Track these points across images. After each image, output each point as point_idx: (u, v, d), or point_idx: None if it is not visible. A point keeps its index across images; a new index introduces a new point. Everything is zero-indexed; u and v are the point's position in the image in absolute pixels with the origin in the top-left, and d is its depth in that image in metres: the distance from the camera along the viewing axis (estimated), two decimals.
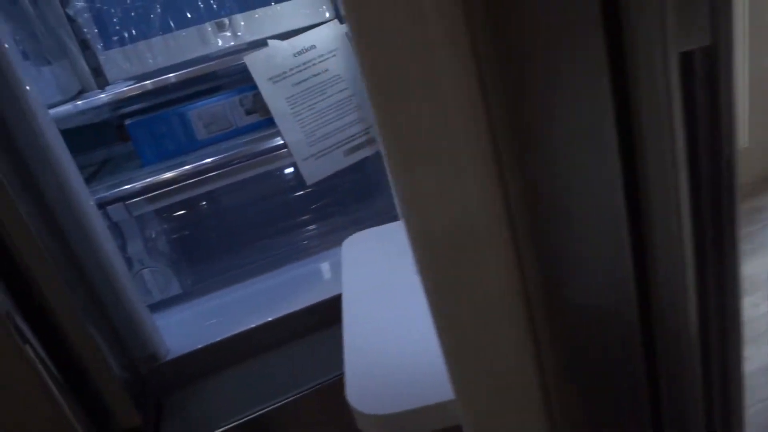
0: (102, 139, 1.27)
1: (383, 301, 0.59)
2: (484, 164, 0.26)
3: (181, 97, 1.04)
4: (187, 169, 0.93)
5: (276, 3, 0.94)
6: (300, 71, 0.91)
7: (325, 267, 0.97)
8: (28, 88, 0.66)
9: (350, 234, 1.05)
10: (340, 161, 0.96)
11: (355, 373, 0.47)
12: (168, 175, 0.92)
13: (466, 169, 0.27)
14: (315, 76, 0.92)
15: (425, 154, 0.26)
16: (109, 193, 0.90)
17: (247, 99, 1.01)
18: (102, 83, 1.26)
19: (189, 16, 0.92)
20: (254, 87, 0.98)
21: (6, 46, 0.64)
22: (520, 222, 0.27)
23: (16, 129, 0.66)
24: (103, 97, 0.87)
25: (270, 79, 0.90)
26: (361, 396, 0.43)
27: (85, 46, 1.22)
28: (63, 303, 0.67)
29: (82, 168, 1.12)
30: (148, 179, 0.92)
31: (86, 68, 1.21)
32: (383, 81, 0.25)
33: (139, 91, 0.89)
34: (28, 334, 0.63)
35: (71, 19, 1.18)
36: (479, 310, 0.29)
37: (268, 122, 1.02)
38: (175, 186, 0.94)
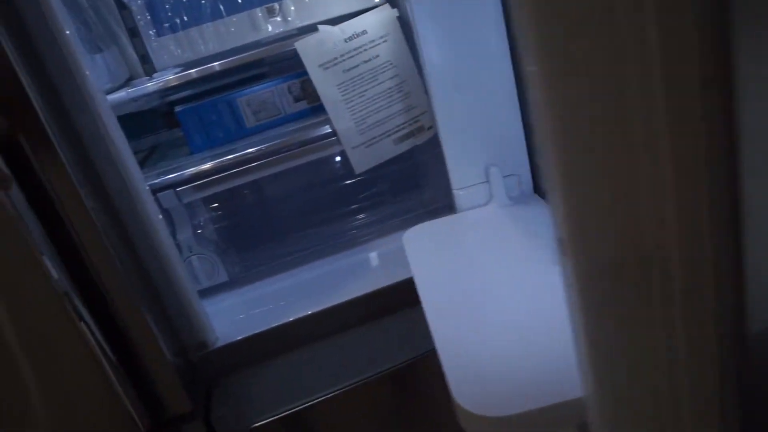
0: (149, 126, 1.28)
1: (469, 297, 0.58)
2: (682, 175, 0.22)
3: (230, 83, 1.03)
4: (237, 157, 0.93)
5: None
6: (351, 57, 0.90)
7: (374, 257, 0.95)
8: (88, 73, 0.65)
9: (398, 224, 1.04)
10: (390, 150, 0.94)
11: (460, 373, 0.45)
12: (217, 162, 0.91)
13: (653, 180, 0.22)
14: (366, 62, 0.90)
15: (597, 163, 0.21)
16: (159, 180, 0.90)
17: (296, 86, 1.00)
18: (150, 70, 1.27)
19: (239, 1, 0.91)
20: (302, 74, 0.97)
21: (68, 32, 0.64)
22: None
23: (76, 114, 0.66)
24: (154, 84, 0.87)
25: (320, 65, 0.89)
26: (476, 397, 0.41)
27: (133, 33, 1.23)
28: (119, 286, 0.67)
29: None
30: (198, 167, 0.92)
31: (134, 56, 1.22)
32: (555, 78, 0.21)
33: (190, 79, 0.88)
34: (85, 315, 0.64)
35: (122, 7, 1.18)
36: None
37: (316, 109, 1.01)
38: (225, 174, 0.94)
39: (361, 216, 1.09)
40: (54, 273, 0.61)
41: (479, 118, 0.79)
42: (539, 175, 0.82)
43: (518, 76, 0.78)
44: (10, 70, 0.57)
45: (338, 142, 0.93)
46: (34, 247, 0.58)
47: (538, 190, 0.84)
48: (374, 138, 0.92)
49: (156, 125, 1.30)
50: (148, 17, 0.87)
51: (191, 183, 0.93)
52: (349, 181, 1.08)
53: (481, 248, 0.71)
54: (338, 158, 1.05)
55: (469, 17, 0.74)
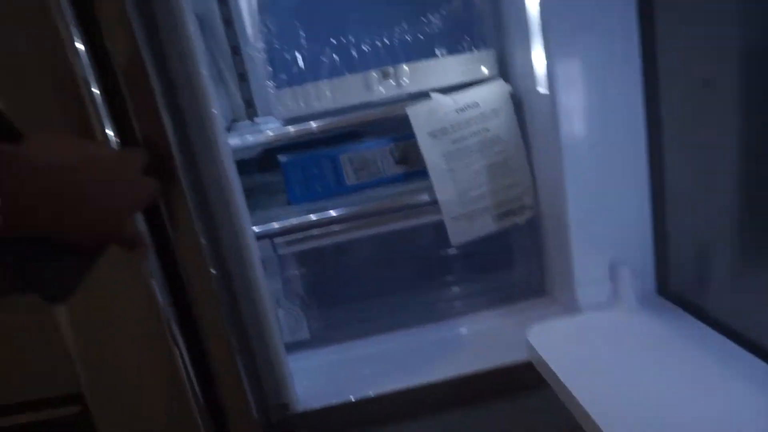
0: (244, 168, 1.30)
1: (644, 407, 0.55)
2: None
3: (333, 137, 1.04)
4: (339, 215, 0.93)
5: (442, 56, 0.92)
6: (460, 128, 0.89)
7: (464, 335, 0.93)
8: (217, 120, 0.67)
9: (485, 302, 1.01)
10: (489, 225, 0.92)
11: None
12: (320, 217, 0.91)
13: None
14: (474, 134, 0.89)
15: None
16: (260, 228, 0.91)
17: (399, 148, 1.00)
18: (252, 114, 1.30)
19: (355, 62, 0.93)
20: (406, 137, 0.97)
21: (204, 73, 0.66)
22: None
23: (205, 165, 0.67)
24: (274, 134, 0.89)
25: (430, 132, 0.89)
26: None
27: (242, 78, 1.26)
28: (217, 330, 0.67)
29: None
30: (299, 219, 0.93)
31: (239, 99, 1.26)
32: None
33: (304, 132, 0.89)
34: (183, 349, 0.64)
35: (234, 52, 1.23)
36: None
37: (415, 174, 1.01)
38: (323, 230, 0.94)
39: (449, 289, 1.07)
40: (160, 298, 0.62)
41: (609, 204, 0.76)
42: (665, 272, 0.78)
43: (652, 159, 0.75)
44: (163, 131, 0.58)
45: (436, 210, 0.92)
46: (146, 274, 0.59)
47: (662, 290, 0.80)
48: (475, 212, 0.91)
49: (251, 168, 1.32)
50: (269, 68, 0.89)
51: (289, 234, 0.93)
52: (439, 252, 1.06)
53: (630, 358, 0.68)
54: (430, 227, 1.03)
55: (610, 94, 0.72)
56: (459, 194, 0.90)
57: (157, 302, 0.60)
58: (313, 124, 0.91)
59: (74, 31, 0.53)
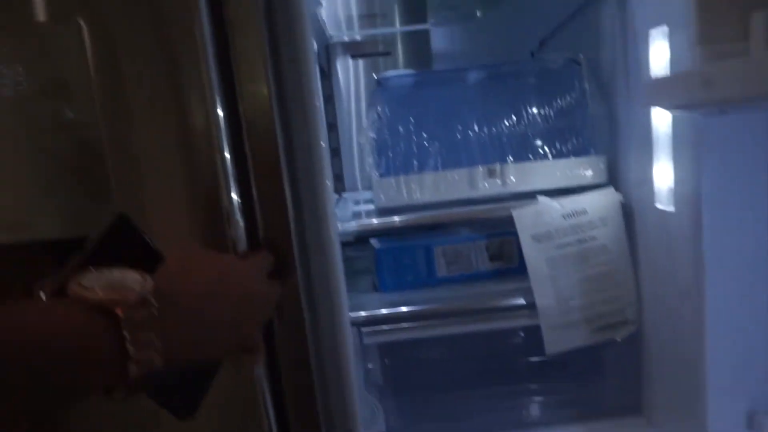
0: None
1: None
2: None
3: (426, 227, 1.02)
4: (430, 309, 0.90)
5: (549, 157, 0.90)
6: (566, 234, 0.86)
7: None
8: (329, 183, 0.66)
9: (573, 413, 0.96)
10: (586, 338, 0.88)
11: None
12: (409, 309, 0.89)
13: None
14: (580, 242, 0.86)
15: None
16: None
17: (494, 245, 0.97)
18: (340, 188, 1.30)
19: (461, 155, 0.91)
20: (503, 233, 0.95)
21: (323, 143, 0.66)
22: None
23: (314, 254, 0.66)
24: (378, 221, 0.88)
25: (533, 236, 0.86)
26: None
27: (335, 153, 1.27)
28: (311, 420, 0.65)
29: None
30: (388, 310, 0.90)
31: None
32: None
33: (408, 224, 0.88)
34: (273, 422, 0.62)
35: (330, 129, 1.24)
36: None
37: (509, 271, 0.98)
38: (413, 323, 0.91)
39: (533, 395, 1.02)
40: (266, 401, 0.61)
41: (751, 342, 0.70)
42: None
43: None
44: (287, 230, 0.57)
45: (529, 315, 0.89)
46: None
47: None
48: (573, 322, 0.87)
49: None
50: (375, 156, 0.88)
51: (376, 325, 0.90)
52: (526, 356, 1.02)
53: None
54: (520, 329, 1.00)
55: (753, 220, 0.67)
56: (559, 302, 0.86)
57: (263, 404, 0.58)
58: (412, 216, 0.90)
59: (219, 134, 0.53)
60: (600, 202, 0.87)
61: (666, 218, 0.76)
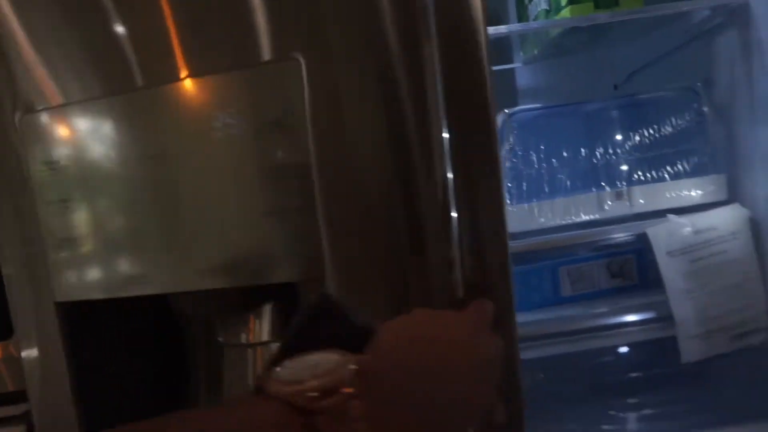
0: None
1: None
2: None
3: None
4: (560, 327, 0.94)
5: (673, 179, 0.96)
6: (698, 249, 0.91)
7: None
8: None
9: (708, 421, 0.99)
10: (724, 345, 0.92)
11: None
12: (538, 330, 0.93)
13: None
14: (712, 256, 0.91)
15: None
16: None
17: (616, 264, 1.02)
18: None
19: (585, 177, 0.97)
20: (623, 253, 1.00)
21: None
22: None
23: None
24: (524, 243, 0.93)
25: (668, 252, 0.91)
26: None
27: None
28: None
29: None
30: (524, 329, 0.94)
31: None
32: None
33: (542, 247, 0.93)
34: None
35: None
36: None
37: (629, 288, 1.02)
38: (539, 341, 0.95)
39: (651, 410, 1.05)
40: None
41: None
42: None
43: None
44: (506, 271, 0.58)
45: (658, 328, 0.93)
46: None
47: None
48: (710, 331, 0.91)
49: None
50: (511, 184, 0.94)
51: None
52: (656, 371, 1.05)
53: None
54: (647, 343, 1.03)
55: None
56: (696, 313, 0.90)
57: None
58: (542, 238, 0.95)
59: None
60: (728, 218, 0.92)
61: None
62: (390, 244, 0.55)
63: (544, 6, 1.03)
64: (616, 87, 1.30)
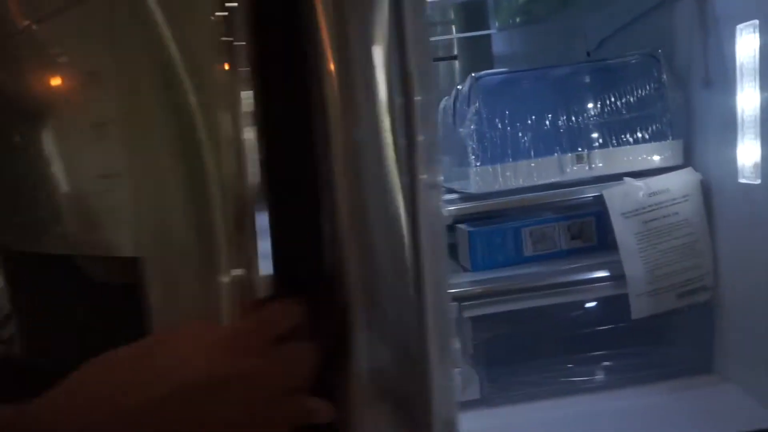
0: None
1: None
2: None
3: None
4: (520, 284, 0.99)
5: (633, 144, 1.00)
6: (651, 211, 0.96)
7: (632, 406, 0.96)
8: None
9: (650, 375, 1.05)
10: (671, 303, 0.97)
11: None
12: (508, 285, 0.98)
13: None
14: (665, 217, 0.96)
15: None
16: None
17: (576, 226, 1.07)
18: None
19: (549, 142, 1.01)
20: (582, 215, 1.05)
21: None
22: None
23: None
24: (472, 205, 0.97)
25: (623, 214, 0.95)
26: None
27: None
28: None
29: None
30: (483, 286, 0.99)
31: None
32: None
33: (504, 207, 0.97)
34: None
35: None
36: None
37: (587, 249, 1.07)
38: (504, 297, 1.00)
39: (610, 360, 1.11)
40: None
41: None
42: None
43: None
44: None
45: (611, 286, 0.98)
46: None
47: None
48: (659, 289, 0.96)
49: None
50: (473, 147, 0.97)
51: (475, 300, 0.99)
52: (603, 324, 1.11)
53: None
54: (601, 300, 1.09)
55: None
56: (646, 272, 0.95)
57: None
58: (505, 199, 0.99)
59: None
60: (681, 181, 0.97)
61: (750, 192, 0.86)
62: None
63: None
64: (588, 54, 1.33)
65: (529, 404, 1.03)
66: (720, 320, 1.00)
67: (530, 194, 1.00)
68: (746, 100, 0.83)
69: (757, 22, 0.79)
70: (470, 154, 1.00)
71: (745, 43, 0.81)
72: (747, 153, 0.85)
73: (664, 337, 1.11)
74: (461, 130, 1.01)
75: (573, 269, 1.02)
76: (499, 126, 1.00)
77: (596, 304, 1.11)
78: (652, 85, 1.00)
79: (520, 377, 1.09)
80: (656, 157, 1.00)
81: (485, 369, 1.08)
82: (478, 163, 0.99)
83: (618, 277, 0.97)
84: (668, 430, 0.91)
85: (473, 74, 1.00)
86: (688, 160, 1.00)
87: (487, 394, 1.05)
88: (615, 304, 1.01)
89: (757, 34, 0.79)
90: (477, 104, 0.99)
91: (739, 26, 0.82)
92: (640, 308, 0.97)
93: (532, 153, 1.00)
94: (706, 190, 0.97)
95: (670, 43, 1.01)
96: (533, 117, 1.01)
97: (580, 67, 1.05)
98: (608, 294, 1.01)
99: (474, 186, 1.00)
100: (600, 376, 1.08)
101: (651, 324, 1.03)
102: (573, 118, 1.01)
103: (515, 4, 1.12)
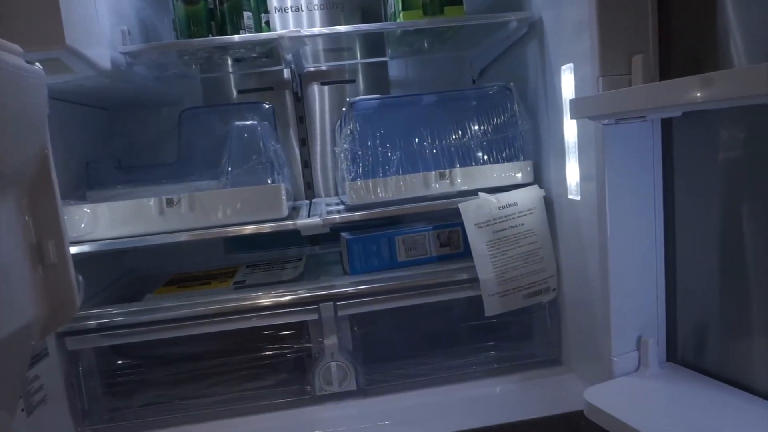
0: (295, 240, 1.50)
1: None
2: None
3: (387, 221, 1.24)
4: (394, 285, 1.11)
5: (486, 164, 1.14)
6: (501, 222, 1.09)
7: (489, 393, 1.10)
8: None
9: (509, 367, 1.18)
10: (519, 302, 1.11)
11: None
12: (378, 287, 1.10)
13: None
14: (512, 227, 1.10)
15: None
16: (326, 291, 1.09)
17: (444, 234, 1.20)
18: (310, 196, 1.51)
19: (417, 161, 1.14)
20: (449, 225, 1.18)
21: None
22: None
23: None
24: (359, 215, 1.09)
25: (476, 224, 1.09)
26: None
27: (305, 165, 1.48)
28: None
29: (284, 262, 1.34)
30: (359, 287, 1.11)
31: (302, 182, 1.47)
32: None
33: (374, 216, 1.10)
34: None
35: (302, 144, 1.45)
36: None
37: (455, 255, 1.21)
38: (377, 297, 1.12)
39: (475, 354, 1.24)
40: None
41: (637, 293, 0.95)
42: (677, 342, 0.96)
43: (667, 258, 0.95)
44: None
45: (471, 288, 1.11)
46: None
47: (671, 357, 0.97)
48: (508, 290, 1.10)
49: (300, 240, 1.52)
50: (348, 163, 1.09)
51: (349, 299, 1.11)
52: (469, 322, 1.24)
53: (668, 406, 0.85)
54: (464, 300, 1.21)
55: (635, 208, 0.92)
56: (496, 275, 1.09)
57: None
58: (378, 210, 1.11)
59: None
60: (527, 196, 1.11)
61: (575, 206, 1.00)
62: None
63: (392, 9, 1.19)
64: (474, 81, 1.48)
65: (399, 394, 1.14)
66: (564, 318, 1.14)
67: (400, 206, 1.12)
68: (569, 128, 0.98)
69: (572, 64, 0.94)
70: (344, 171, 1.12)
71: (567, 80, 0.96)
72: (571, 173, 1.00)
73: (522, 334, 1.24)
74: (335, 148, 1.13)
75: (438, 272, 1.15)
76: (371, 145, 1.12)
77: (460, 304, 1.24)
78: (507, 113, 1.15)
79: (392, 370, 1.21)
80: (509, 176, 1.14)
81: (361, 363, 1.19)
82: (350, 178, 1.11)
83: (474, 279, 1.11)
84: (513, 411, 1.02)
85: (348, 99, 1.13)
86: (537, 178, 1.15)
87: (363, 386, 1.16)
88: (476, 304, 1.14)
89: (572, 74, 0.93)
90: (351, 126, 1.12)
91: (563, 67, 0.97)
92: (492, 307, 1.10)
93: (401, 170, 1.13)
94: (548, 205, 1.11)
95: (523, 78, 1.16)
96: (403, 138, 1.14)
97: (444, 95, 1.18)
98: (470, 295, 1.13)
99: (349, 198, 1.12)
100: (463, 369, 1.21)
101: (510, 321, 1.17)
102: (437, 140, 1.15)
103: (393, 37, 1.26)
